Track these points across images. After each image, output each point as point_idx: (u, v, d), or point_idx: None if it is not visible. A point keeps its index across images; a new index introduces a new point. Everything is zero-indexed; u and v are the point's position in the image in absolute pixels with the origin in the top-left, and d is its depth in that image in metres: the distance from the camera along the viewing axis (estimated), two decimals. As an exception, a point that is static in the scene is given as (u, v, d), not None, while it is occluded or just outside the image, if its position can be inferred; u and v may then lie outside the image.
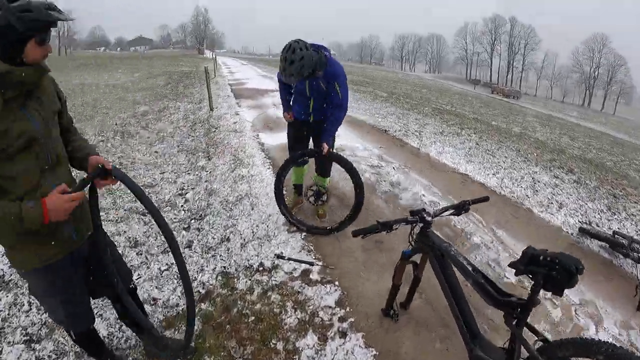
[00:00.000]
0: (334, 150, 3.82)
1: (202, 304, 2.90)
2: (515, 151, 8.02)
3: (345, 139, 7.48)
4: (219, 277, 3.17)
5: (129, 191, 4.84)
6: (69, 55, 59.08)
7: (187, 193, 4.88)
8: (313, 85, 3.52)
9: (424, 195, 4.94)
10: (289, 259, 3.30)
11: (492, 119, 15.08)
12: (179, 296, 2.98)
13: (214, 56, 36.78)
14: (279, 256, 3.34)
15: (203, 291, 3.03)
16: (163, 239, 3.78)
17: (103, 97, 12.28)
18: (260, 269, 3.26)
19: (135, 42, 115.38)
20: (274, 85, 17.94)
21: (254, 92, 14.83)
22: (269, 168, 5.72)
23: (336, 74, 3.40)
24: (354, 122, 9.32)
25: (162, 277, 3.23)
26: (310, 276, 3.15)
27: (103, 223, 4.08)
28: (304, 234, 3.79)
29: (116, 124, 8.55)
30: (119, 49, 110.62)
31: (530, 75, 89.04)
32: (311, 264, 3.26)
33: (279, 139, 7.24)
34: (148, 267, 3.35)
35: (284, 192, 4.42)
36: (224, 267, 3.31)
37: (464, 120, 11.67)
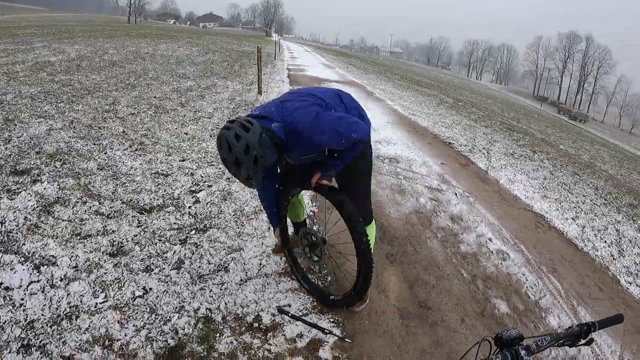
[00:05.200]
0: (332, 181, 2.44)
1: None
2: (593, 189, 6.74)
3: (401, 148, 6.54)
4: (199, 325, 2.35)
5: (137, 178, 4.18)
6: (138, 24, 60.60)
7: (200, 191, 4.12)
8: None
9: (490, 240, 3.91)
10: (294, 317, 2.42)
11: (560, 141, 13.56)
12: (142, 341, 2.20)
13: (277, 39, 36.48)
14: (282, 310, 2.46)
15: (171, 342, 2.23)
16: (152, 250, 3.03)
17: (153, 67, 11.81)
18: (255, 325, 2.40)
19: (205, 18, 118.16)
20: (335, 75, 17.19)
21: (312, 80, 14.09)
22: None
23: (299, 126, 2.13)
24: (414, 128, 8.31)
25: (132, 305, 2.47)
26: (320, 352, 2.25)
27: (91, 217, 3.46)
28: (330, 279, 2.93)
29: (155, 97, 7.97)
30: (188, 23, 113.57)
31: (599, 100, 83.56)
32: (324, 331, 2.36)
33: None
34: (120, 288, 2.60)
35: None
36: (209, 309, 2.49)
37: (534, 141, 10.37)
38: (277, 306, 2.53)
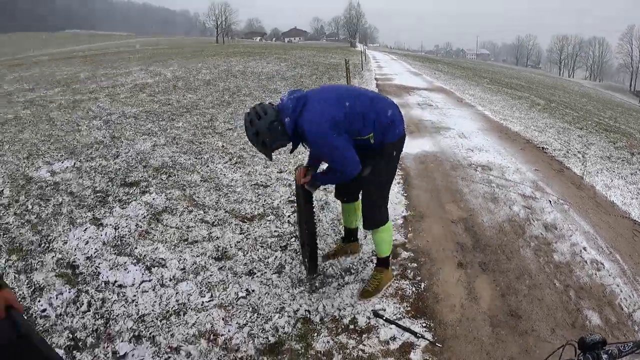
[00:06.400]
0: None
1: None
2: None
3: (493, 155, 6.34)
4: (298, 325, 2.55)
5: (238, 189, 4.49)
6: (226, 44, 64.47)
7: (298, 201, 4.37)
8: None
9: (584, 249, 3.67)
10: (388, 320, 2.52)
11: (662, 141, 12.09)
12: (244, 337, 2.43)
13: (363, 49, 36.86)
14: (377, 314, 2.58)
15: (272, 339, 2.44)
16: (254, 255, 3.31)
17: (245, 84, 12.57)
18: (351, 326, 2.54)
19: (289, 33, 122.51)
20: (422, 82, 17.01)
21: (399, 89, 14.07)
22: (399, 182, 4.97)
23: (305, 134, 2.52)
24: (506, 134, 7.99)
25: (236, 305, 2.73)
26: (411, 355, 2.31)
27: (197, 224, 3.82)
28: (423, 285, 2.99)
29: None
30: (274, 39, 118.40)
31: (703, 89, 71.98)
32: (416, 334, 2.43)
33: (419, 145, 6.46)
34: (225, 289, 2.88)
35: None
36: (308, 311, 2.67)
37: (632, 142, 9.39)
38: (372, 310, 2.65)
